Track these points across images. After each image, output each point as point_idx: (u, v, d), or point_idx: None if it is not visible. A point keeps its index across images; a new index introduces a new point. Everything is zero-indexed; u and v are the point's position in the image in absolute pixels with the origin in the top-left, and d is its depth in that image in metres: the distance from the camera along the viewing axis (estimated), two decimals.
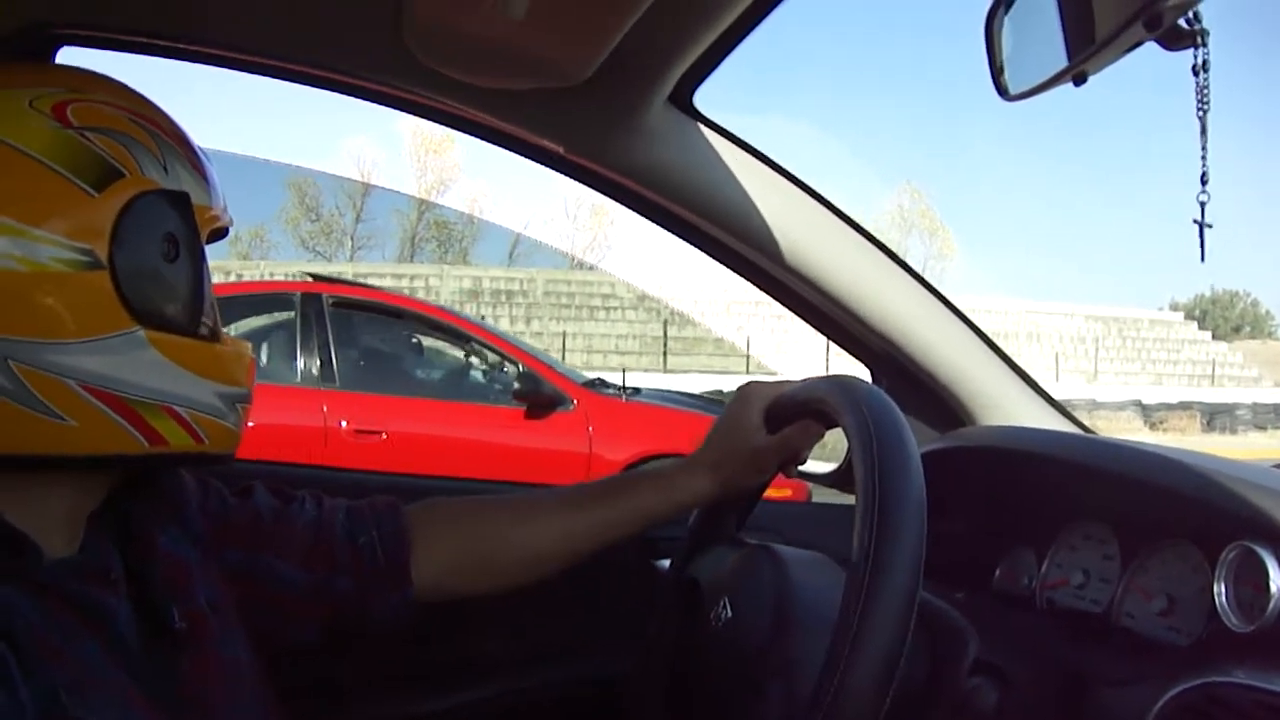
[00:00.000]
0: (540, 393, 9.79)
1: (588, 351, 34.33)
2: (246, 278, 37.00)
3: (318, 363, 9.78)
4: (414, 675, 2.43)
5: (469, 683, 2.49)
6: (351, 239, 70.82)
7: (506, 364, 10.70)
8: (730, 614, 1.59)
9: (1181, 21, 1.05)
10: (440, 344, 11.62)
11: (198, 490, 1.65)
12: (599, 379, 10.73)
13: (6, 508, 1.26)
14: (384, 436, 9.39)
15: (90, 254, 1.25)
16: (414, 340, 11.17)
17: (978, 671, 1.51)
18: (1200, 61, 1.04)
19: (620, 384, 10.62)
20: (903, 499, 1.22)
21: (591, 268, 64.03)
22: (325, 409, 9.48)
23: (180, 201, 1.35)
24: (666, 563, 2.26)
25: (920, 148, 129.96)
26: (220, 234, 1.49)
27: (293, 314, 10.15)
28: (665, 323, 45.86)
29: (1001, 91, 1.44)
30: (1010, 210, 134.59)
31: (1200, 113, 1.03)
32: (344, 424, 9.39)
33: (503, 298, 47.83)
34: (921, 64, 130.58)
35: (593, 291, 50.03)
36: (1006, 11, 1.42)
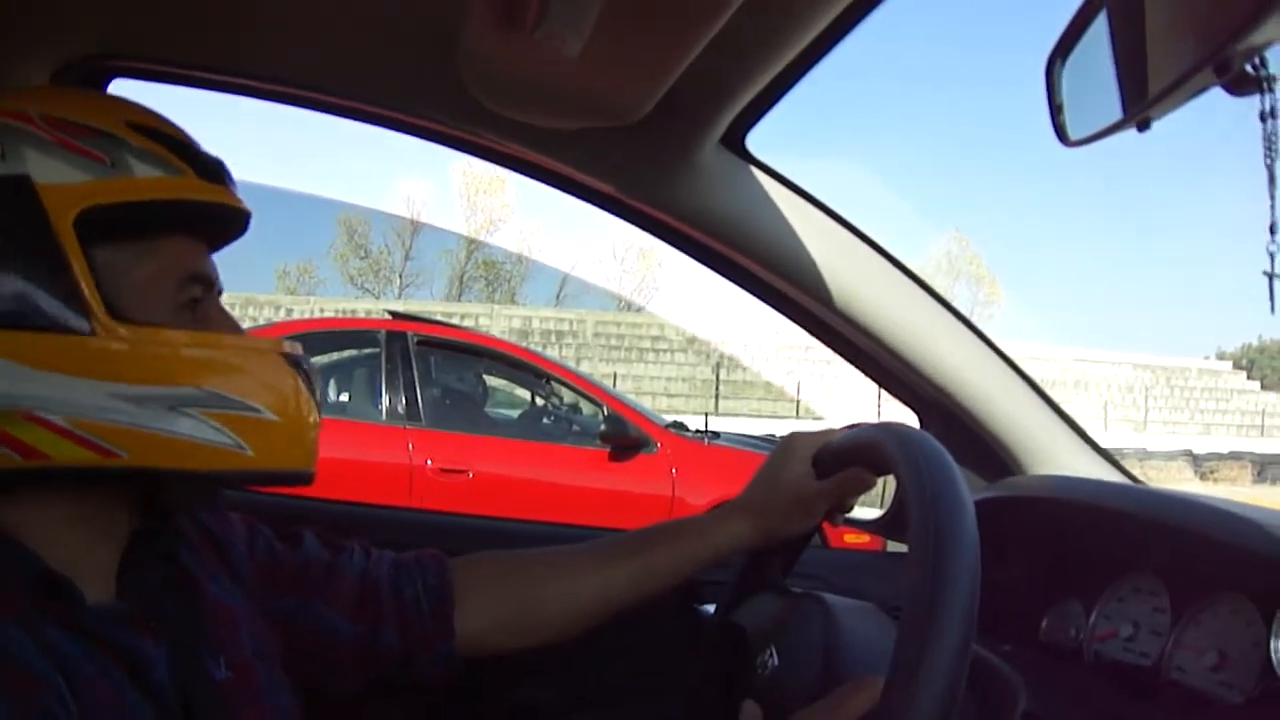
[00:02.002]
0: (626, 435, 9.73)
1: (637, 393, 34.32)
2: (297, 313, 37.19)
3: (403, 401, 9.75)
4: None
5: None
6: (400, 277, 71.13)
7: (583, 404, 10.73)
8: (777, 662, 1.57)
9: (1248, 67, 1.03)
10: (519, 383, 11.73)
11: (245, 534, 1.64)
12: (678, 422, 10.68)
13: (45, 551, 1.25)
14: (470, 476, 9.34)
15: None
16: (494, 379, 11.26)
17: None
18: (1268, 107, 1.02)
19: (702, 427, 10.60)
20: (958, 549, 1.18)
21: (639, 310, 64.10)
22: (411, 447, 9.45)
23: (10, 185, 1.26)
24: (711, 608, 2.24)
25: (968, 194, 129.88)
26: (126, 209, 1.32)
27: (375, 350, 10.14)
28: (717, 366, 45.80)
29: (1061, 137, 1.42)
30: (1057, 258, 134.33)
31: (1268, 160, 1.01)
32: (429, 463, 9.35)
33: (552, 338, 47.85)
34: (970, 111, 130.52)
35: (642, 334, 50.02)
36: (1066, 56, 1.41)
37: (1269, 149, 1.02)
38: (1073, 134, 1.41)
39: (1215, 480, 35.02)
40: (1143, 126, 1.20)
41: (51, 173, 1.28)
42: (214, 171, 1.39)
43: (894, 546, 2.68)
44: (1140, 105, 1.19)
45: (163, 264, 1.35)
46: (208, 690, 1.36)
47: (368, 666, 1.71)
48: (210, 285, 1.42)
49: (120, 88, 2.18)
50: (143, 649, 1.29)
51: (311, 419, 1.41)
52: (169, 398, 1.28)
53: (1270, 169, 1.02)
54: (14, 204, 1.26)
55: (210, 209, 1.39)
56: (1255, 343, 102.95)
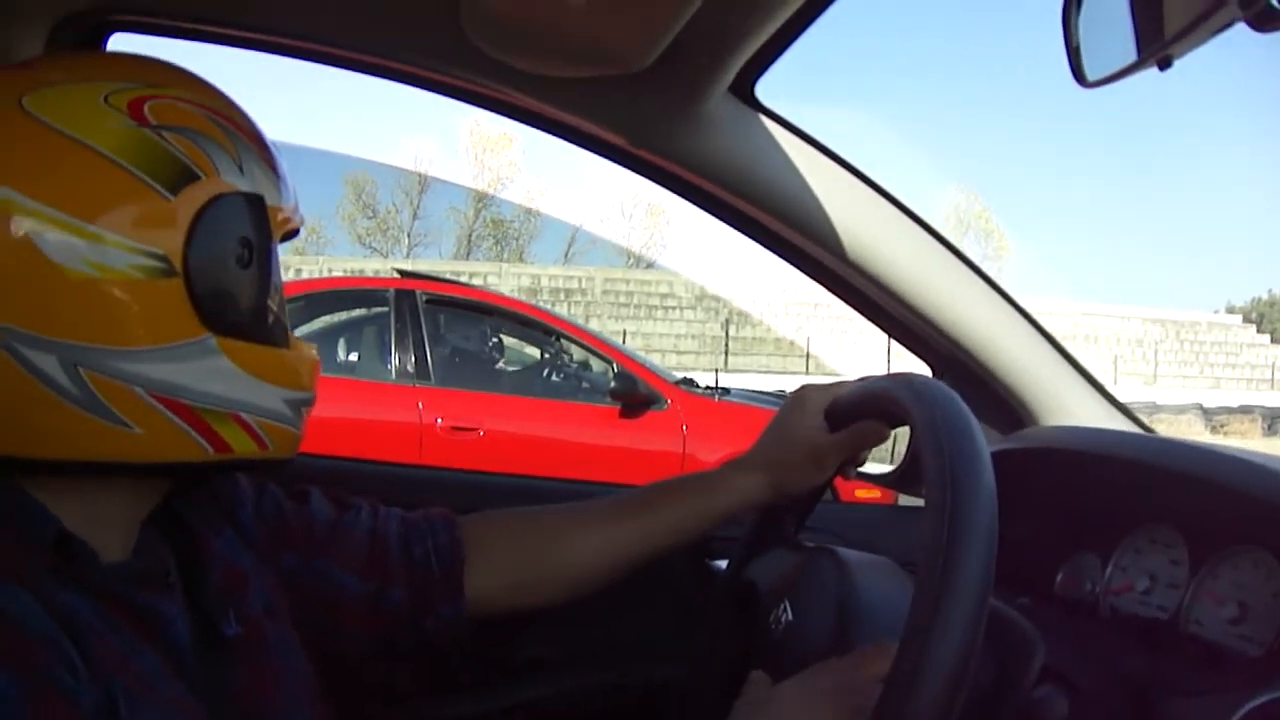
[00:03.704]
0: (636, 392, 9.71)
1: (647, 350, 34.44)
2: (306, 273, 37.26)
3: (413, 359, 9.75)
4: (466, 677, 2.41)
5: (522, 685, 2.47)
6: (408, 236, 71.25)
7: (593, 361, 10.76)
8: (791, 617, 1.56)
9: (1273, 1, 1.01)
10: (528, 340, 11.73)
11: (253, 494, 1.64)
12: (688, 378, 10.69)
13: (61, 511, 1.24)
14: (480, 434, 9.34)
15: (164, 260, 1.22)
16: (503, 337, 11.22)
17: (1045, 680, 1.46)
18: None
19: (712, 384, 10.60)
20: (975, 498, 1.17)
21: (649, 266, 64.12)
22: (421, 406, 9.45)
23: (255, 204, 1.32)
24: (722, 563, 2.23)
25: (977, 148, 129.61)
26: (292, 234, 1.46)
27: (385, 309, 10.12)
28: (726, 322, 45.88)
29: (1079, 78, 1.40)
30: (1066, 212, 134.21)
31: None
32: (439, 421, 9.35)
33: (561, 296, 47.96)
34: (982, 63, 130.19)
35: (651, 290, 50.15)
36: None
37: None
38: (1090, 75, 1.39)
39: (1225, 434, 35.09)
40: (1164, 65, 1.18)
41: (270, 194, 1.35)
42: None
43: (906, 501, 2.66)
44: (1160, 43, 1.17)
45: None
46: (219, 646, 1.37)
47: (376, 625, 1.70)
48: None
49: (119, 43, 2.16)
50: (159, 606, 1.30)
51: None
52: (300, 400, 1.41)
53: None
54: (256, 222, 1.33)
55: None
56: (1265, 296, 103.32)
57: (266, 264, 1.34)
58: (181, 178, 1.24)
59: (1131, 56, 1.22)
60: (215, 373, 1.27)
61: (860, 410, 1.67)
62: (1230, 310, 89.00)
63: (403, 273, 11.98)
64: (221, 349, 1.27)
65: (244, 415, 1.31)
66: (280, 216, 1.37)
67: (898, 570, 1.62)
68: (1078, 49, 1.40)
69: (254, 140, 1.35)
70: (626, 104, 2.09)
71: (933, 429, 1.28)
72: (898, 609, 1.23)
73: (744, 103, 2.13)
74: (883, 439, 1.72)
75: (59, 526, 1.23)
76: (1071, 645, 1.58)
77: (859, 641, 1.41)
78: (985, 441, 1.26)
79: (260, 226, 1.32)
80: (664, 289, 50.13)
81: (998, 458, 1.26)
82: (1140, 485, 1.88)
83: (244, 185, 1.30)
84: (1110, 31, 1.29)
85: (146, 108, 1.25)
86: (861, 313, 2.47)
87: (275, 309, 1.37)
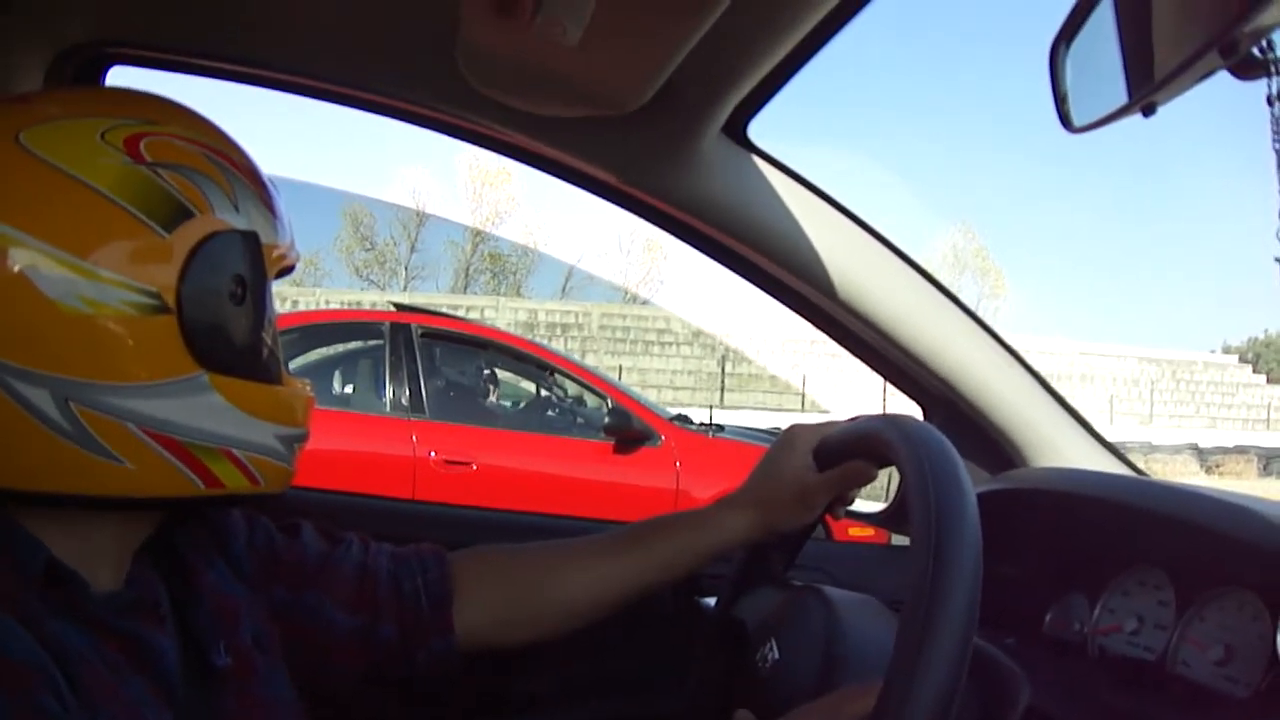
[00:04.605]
0: (630, 428, 9.72)
1: (642, 386, 34.35)
2: (303, 305, 37.25)
3: (407, 392, 9.76)
4: (458, 712, 2.40)
5: None
6: (405, 269, 71.21)
7: (588, 396, 10.75)
8: (777, 655, 1.56)
9: (1255, 50, 1.02)
10: (523, 375, 11.74)
11: (245, 526, 1.64)
12: (683, 415, 10.65)
13: (53, 542, 1.25)
14: (474, 468, 9.35)
15: (157, 297, 1.22)
16: (498, 371, 11.20)
17: None
18: (1275, 91, 1.01)
19: (707, 421, 10.59)
20: (960, 540, 1.17)
21: (645, 302, 64.10)
22: (415, 439, 9.46)
23: (250, 241, 1.32)
24: (711, 601, 2.23)
25: (974, 187, 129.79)
26: (288, 271, 1.46)
27: (379, 342, 10.17)
28: (723, 359, 45.87)
29: (1065, 123, 1.41)
30: (1063, 251, 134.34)
31: (1276, 144, 1.00)
32: (433, 455, 9.37)
33: (558, 331, 47.97)
34: (975, 102, 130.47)
35: (647, 326, 50.14)
36: (1070, 41, 1.40)
37: (1276, 133, 1.01)
38: (1077, 120, 1.40)
39: (1221, 474, 34.99)
40: (1148, 112, 1.20)
41: (265, 231, 1.36)
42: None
43: (898, 540, 2.66)
44: (1145, 90, 1.18)
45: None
46: (209, 676, 1.37)
47: (365, 659, 1.70)
48: None
49: (119, 76, 2.18)
50: (150, 637, 1.30)
51: None
52: (293, 436, 1.42)
53: (1278, 153, 1.01)
54: (250, 260, 1.33)
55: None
56: (1261, 336, 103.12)
57: (260, 301, 1.34)
58: (176, 215, 1.24)
59: (1119, 101, 1.23)
60: (207, 409, 1.28)
61: (848, 450, 1.67)
62: (1226, 350, 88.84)
63: (398, 306, 12.00)
64: (214, 386, 1.28)
65: (235, 451, 1.32)
66: (275, 253, 1.37)
67: (884, 610, 1.63)
68: (1065, 96, 1.41)
69: (250, 177, 1.35)
70: (620, 143, 2.10)
71: (919, 470, 1.28)
72: (883, 648, 1.23)
73: (737, 143, 2.14)
74: (870, 479, 1.72)
75: (48, 556, 1.23)
76: (1059, 686, 1.59)
77: (844, 680, 1.41)
78: (971, 482, 1.26)
79: (254, 264, 1.32)
80: (660, 325, 50.12)
81: (986, 498, 1.28)
82: (1128, 527, 1.89)
83: (239, 223, 1.30)
84: (1097, 77, 1.30)
85: (143, 145, 1.25)
86: (853, 352, 2.48)
87: (269, 345, 1.37)
